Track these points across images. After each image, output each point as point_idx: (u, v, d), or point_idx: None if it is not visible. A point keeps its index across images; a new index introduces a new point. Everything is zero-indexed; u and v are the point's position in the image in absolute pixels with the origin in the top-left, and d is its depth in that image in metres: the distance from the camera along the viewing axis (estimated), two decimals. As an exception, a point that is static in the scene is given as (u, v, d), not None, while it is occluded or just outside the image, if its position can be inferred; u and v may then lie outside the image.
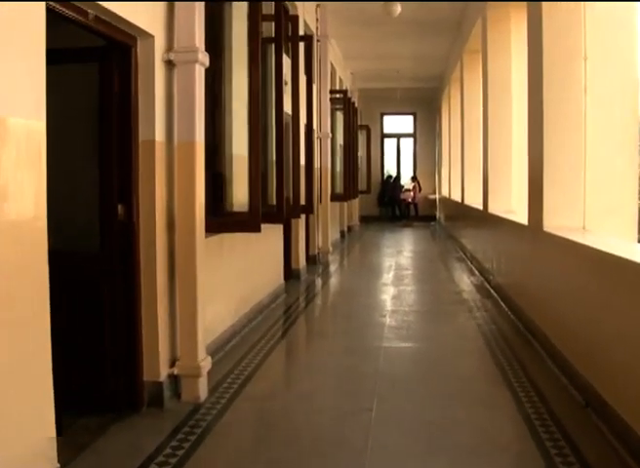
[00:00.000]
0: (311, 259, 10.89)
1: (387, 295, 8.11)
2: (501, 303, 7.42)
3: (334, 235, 13.88)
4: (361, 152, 20.35)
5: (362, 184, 19.90)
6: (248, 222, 4.74)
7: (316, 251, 11.02)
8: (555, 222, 5.36)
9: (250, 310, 6.38)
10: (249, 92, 4.78)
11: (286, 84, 7.74)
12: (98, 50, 4.01)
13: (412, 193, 22.31)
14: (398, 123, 23.34)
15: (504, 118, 8.83)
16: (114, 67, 3.98)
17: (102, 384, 4.05)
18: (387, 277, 9.71)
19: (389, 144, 23.47)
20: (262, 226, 5.80)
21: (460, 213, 13.29)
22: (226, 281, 5.67)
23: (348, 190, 12.87)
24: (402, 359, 5.34)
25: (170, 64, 4.17)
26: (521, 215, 7.47)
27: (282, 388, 4.65)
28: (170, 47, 4.15)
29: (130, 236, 4.02)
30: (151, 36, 3.98)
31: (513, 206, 8.79)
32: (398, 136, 23.38)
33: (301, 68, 7.60)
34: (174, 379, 4.25)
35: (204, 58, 4.24)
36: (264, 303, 6.98)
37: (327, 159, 11.17)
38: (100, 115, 4.03)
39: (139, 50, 4.00)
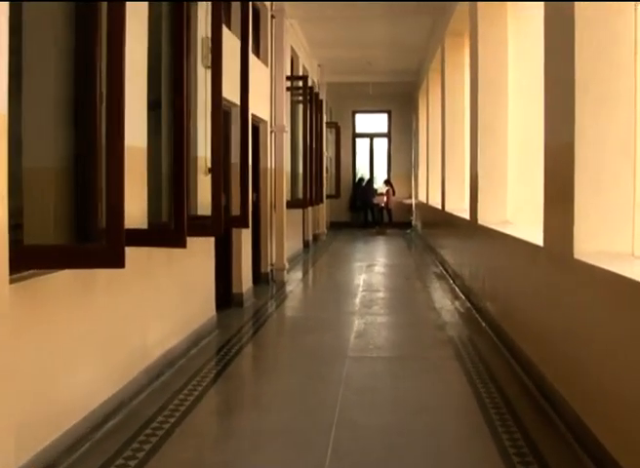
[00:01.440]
0: (263, 278, 9.05)
1: (350, 331, 6.28)
2: (498, 343, 5.64)
3: (294, 246, 12.04)
4: (330, 152, 18.63)
5: (331, 188, 18.21)
6: (101, 252, 2.86)
7: (269, 268, 9.17)
8: (592, 246, 3.58)
9: (150, 366, 4.50)
10: (108, 45, 2.92)
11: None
12: None
13: (385, 198, 20.56)
14: (371, 122, 21.61)
15: (499, 110, 7.07)
16: None
17: None
18: (354, 302, 7.89)
19: (362, 145, 21.72)
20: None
21: (441, 221, 11.56)
22: (100, 332, 3.79)
23: (309, 195, 11.00)
24: (360, 463, 3.47)
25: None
26: (522, 229, 5.75)
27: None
28: None
29: None
30: None
31: (509, 216, 7.06)
32: (371, 136, 21.64)
33: (235, 35, 5.76)
34: None
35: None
36: (179, 350, 5.12)
37: (283, 158, 9.32)
38: None
39: None
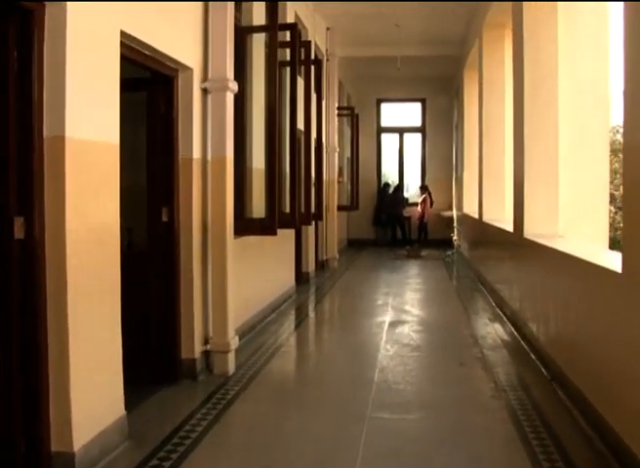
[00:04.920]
0: (187, 371, 4.73)
1: None
2: None
3: (277, 288, 7.62)
4: (346, 150, 14.34)
5: (347, 197, 13.94)
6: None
7: (199, 350, 4.80)
8: None
9: None
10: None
11: None
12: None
13: (420, 209, 16.04)
14: (401, 113, 17.26)
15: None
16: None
17: None
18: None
19: (389, 141, 17.30)
20: None
21: (509, 247, 7.13)
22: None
23: (293, 211, 6.53)
24: None
25: None
26: None
27: None
28: None
29: None
30: None
31: None
32: (401, 131, 17.20)
33: None
34: None
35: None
36: None
37: (226, 140, 4.92)
38: None
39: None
